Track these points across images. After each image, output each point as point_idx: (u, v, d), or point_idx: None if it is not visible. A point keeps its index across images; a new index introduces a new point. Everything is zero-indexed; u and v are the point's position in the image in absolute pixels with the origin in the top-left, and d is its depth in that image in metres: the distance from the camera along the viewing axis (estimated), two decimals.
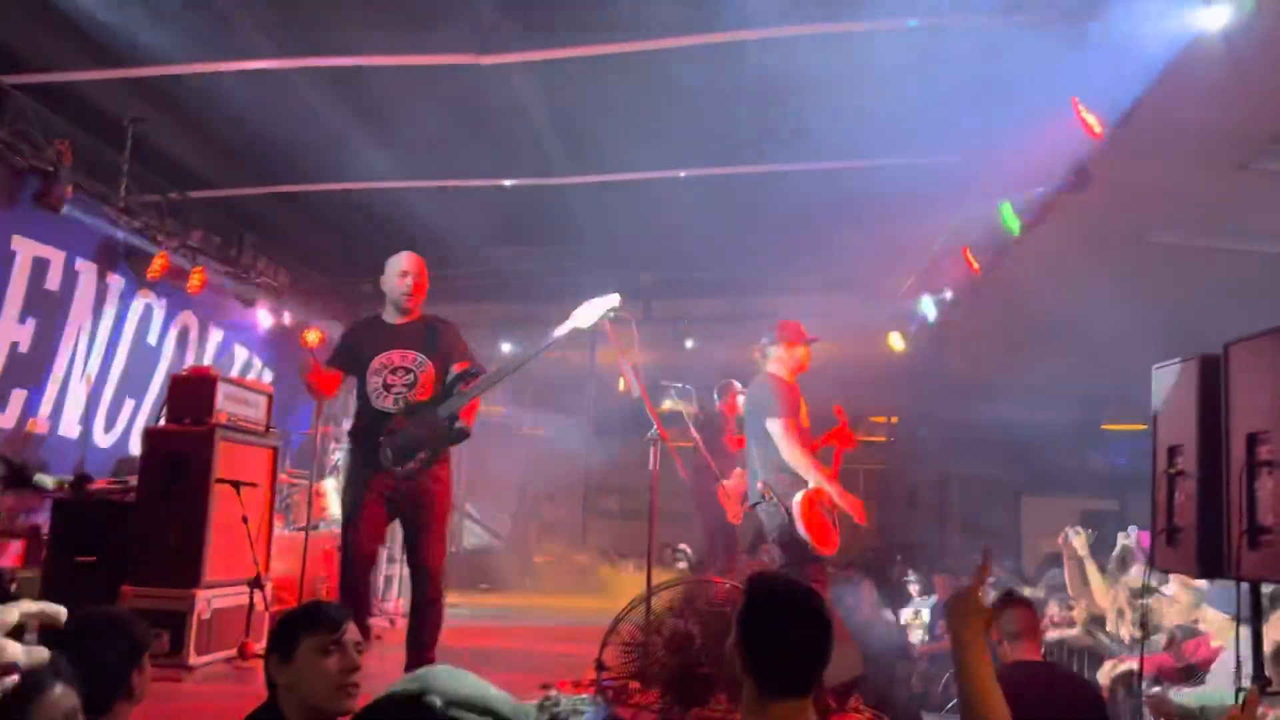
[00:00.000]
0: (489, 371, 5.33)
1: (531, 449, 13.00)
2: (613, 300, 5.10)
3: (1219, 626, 5.27)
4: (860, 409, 14.41)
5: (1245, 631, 3.87)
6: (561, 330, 5.12)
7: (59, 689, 2.68)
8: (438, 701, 1.69)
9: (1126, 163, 6.44)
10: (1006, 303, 9.13)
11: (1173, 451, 3.98)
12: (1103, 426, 12.31)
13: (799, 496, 5.57)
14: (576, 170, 8.16)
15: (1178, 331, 5.30)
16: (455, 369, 5.27)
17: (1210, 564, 3.65)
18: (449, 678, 1.76)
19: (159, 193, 8.02)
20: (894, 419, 11.72)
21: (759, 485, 5.76)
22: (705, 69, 6.78)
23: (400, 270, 5.31)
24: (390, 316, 5.35)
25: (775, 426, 5.71)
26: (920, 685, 8.10)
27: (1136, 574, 6.60)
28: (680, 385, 7.71)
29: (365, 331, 5.39)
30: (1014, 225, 7.09)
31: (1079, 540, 7.10)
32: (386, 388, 5.18)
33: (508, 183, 8.29)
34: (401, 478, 5.03)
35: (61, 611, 1.41)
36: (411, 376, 5.21)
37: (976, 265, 8.01)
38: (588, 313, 5.10)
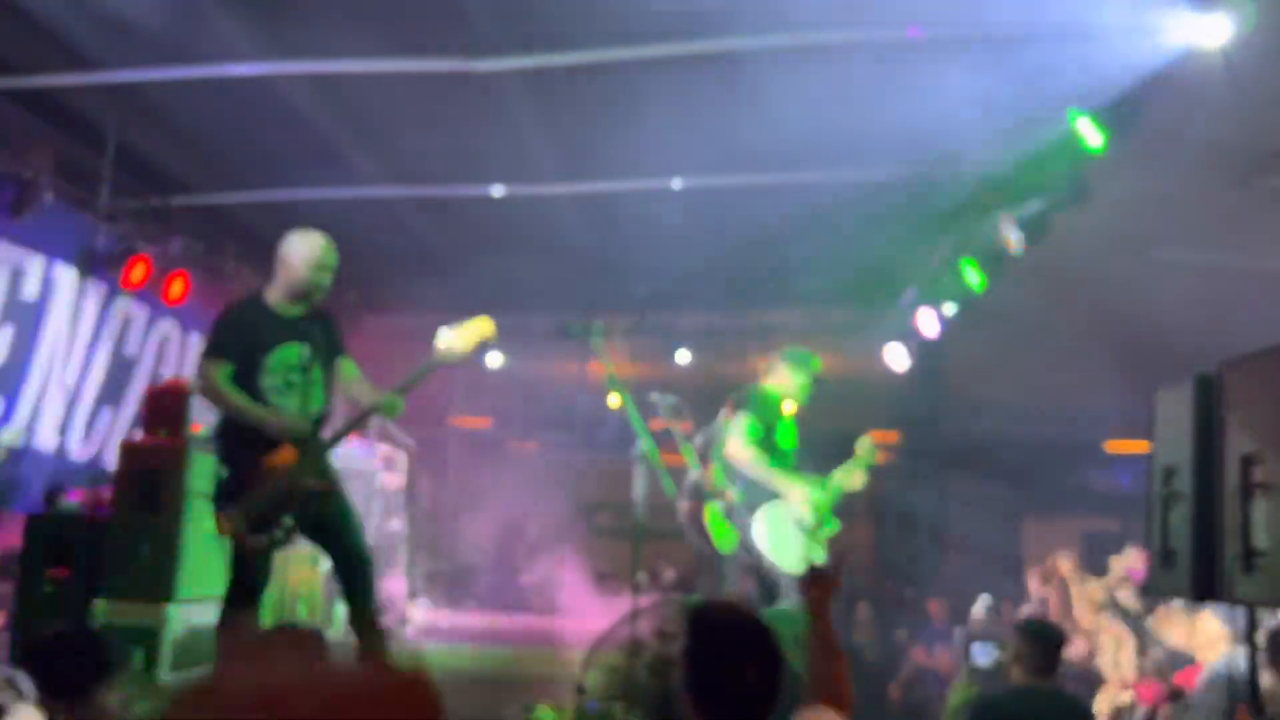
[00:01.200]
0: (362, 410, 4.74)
1: (520, 465, 12.91)
2: (481, 326, 4.69)
3: (1211, 637, 5.16)
4: (858, 426, 14.27)
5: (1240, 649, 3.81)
6: (424, 368, 4.71)
7: (24, 711, 2.57)
8: None
9: (1126, 177, 6.37)
10: (1007, 319, 9.03)
11: (1168, 473, 3.90)
12: (1105, 446, 12.18)
13: (764, 507, 5.46)
14: (567, 179, 8.07)
15: (1180, 350, 5.22)
16: (360, 388, 4.73)
17: (1204, 587, 3.57)
18: None
19: (140, 199, 7.93)
20: (893, 437, 11.58)
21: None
22: (702, 77, 6.69)
23: (320, 262, 4.71)
24: (285, 306, 4.68)
25: (738, 421, 5.61)
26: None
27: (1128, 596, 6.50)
28: (671, 400, 7.56)
29: (256, 318, 4.64)
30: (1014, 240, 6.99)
31: (1067, 565, 7.02)
32: (289, 386, 4.56)
33: (497, 192, 8.19)
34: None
35: None
36: (308, 380, 4.61)
37: (977, 279, 7.90)
38: (452, 340, 4.67)
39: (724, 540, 5.62)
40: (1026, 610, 7.45)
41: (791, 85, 6.34)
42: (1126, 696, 5.67)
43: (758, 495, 5.61)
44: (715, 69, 6.39)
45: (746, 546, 5.57)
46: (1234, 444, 3.44)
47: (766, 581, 5.55)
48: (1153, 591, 4.24)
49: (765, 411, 5.80)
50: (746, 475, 5.55)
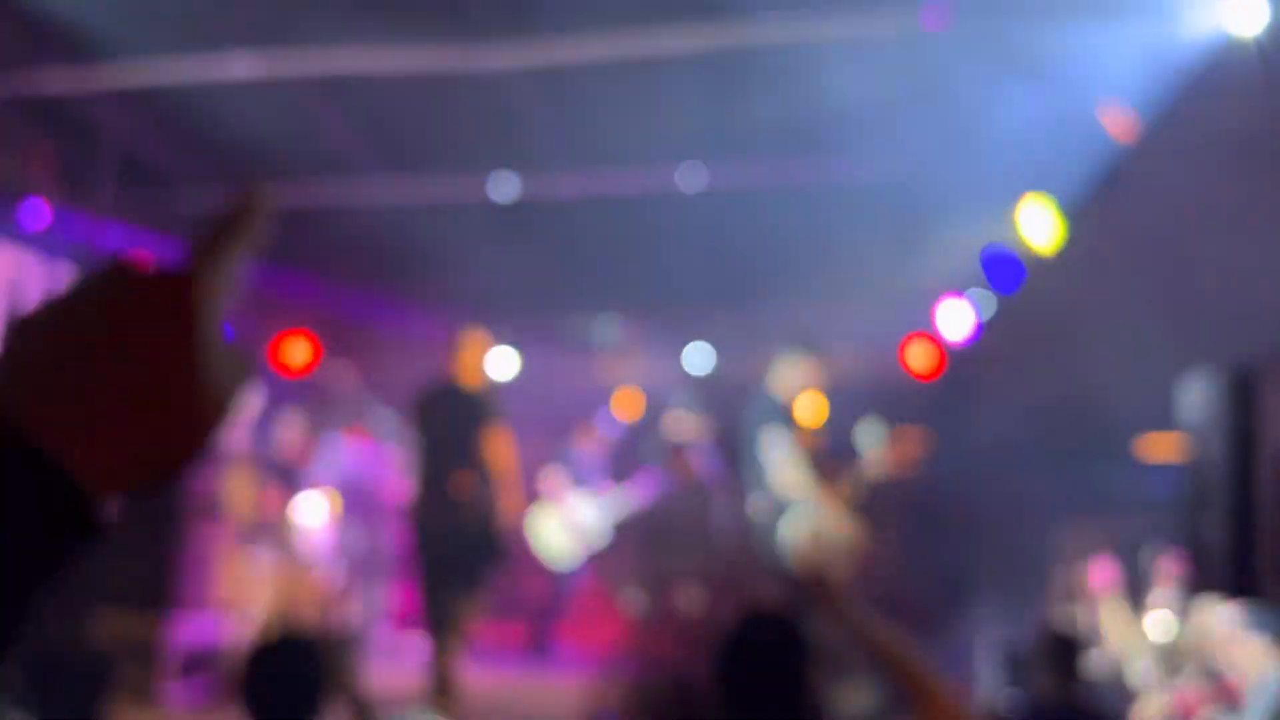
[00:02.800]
0: None
1: (527, 464, 12.59)
2: None
3: (1256, 655, 4.90)
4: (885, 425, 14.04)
5: None
6: None
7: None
8: None
9: (1161, 169, 6.18)
10: (1035, 314, 8.83)
11: (1202, 471, 3.77)
12: (1141, 445, 11.88)
13: (788, 516, 5.33)
14: (576, 175, 7.95)
15: (1217, 346, 5.04)
16: None
17: (1240, 587, 3.45)
18: None
19: (141, 199, 7.88)
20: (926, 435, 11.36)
21: (752, 502, 5.59)
22: (712, 70, 6.56)
23: None
24: None
25: (766, 434, 5.55)
26: None
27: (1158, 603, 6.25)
28: (688, 401, 7.47)
29: None
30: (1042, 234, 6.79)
31: (1098, 582, 6.77)
32: None
33: (504, 188, 8.09)
34: None
35: None
36: None
37: (1002, 275, 7.71)
38: None
39: None
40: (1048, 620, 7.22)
41: (805, 77, 6.20)
42: (1162, 706, 5.42)
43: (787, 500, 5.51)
44: (728, 61, 6.27)
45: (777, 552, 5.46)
46: (1269, 442, 3.31)
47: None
48: (1190, 591, 4.06)
49: (778, 417, 5.69)
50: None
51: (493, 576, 6.02)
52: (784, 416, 5.70)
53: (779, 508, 5.46)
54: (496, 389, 5.56)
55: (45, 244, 7.29)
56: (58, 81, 6.57)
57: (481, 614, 6.05)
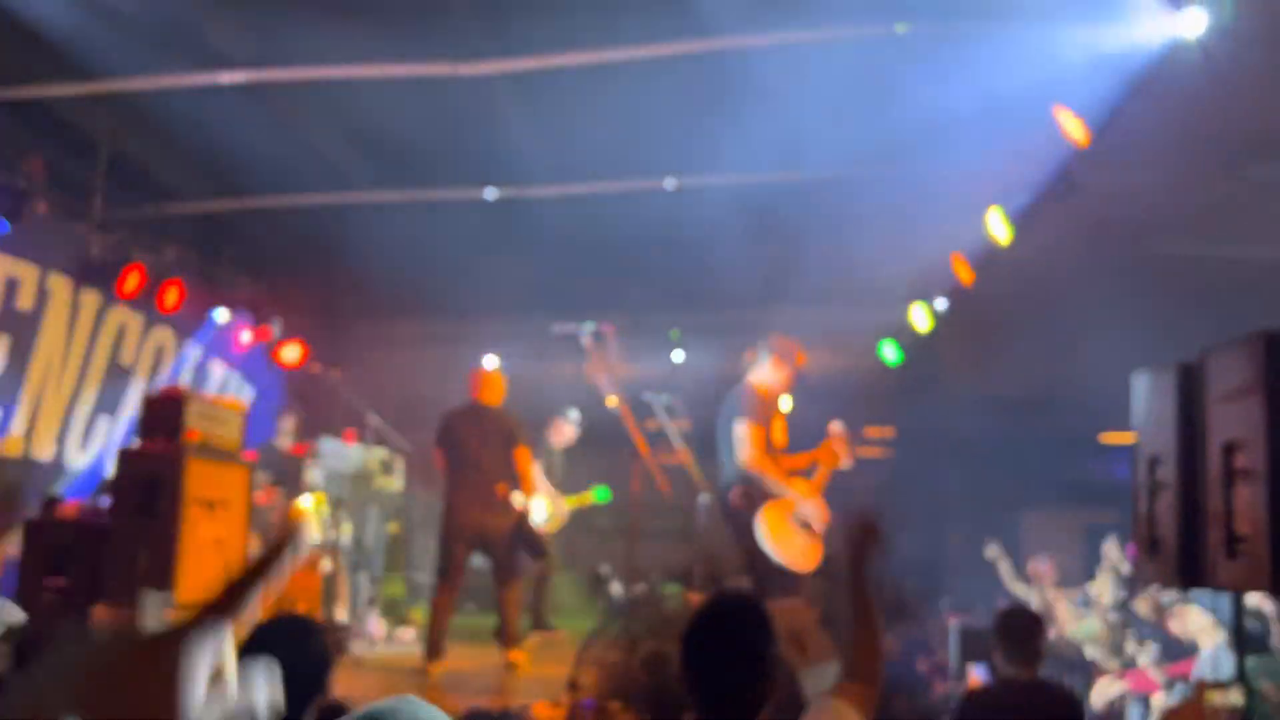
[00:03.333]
0: None
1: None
2: None
3: (1201, 627, 5.20)
4: (853, 421, 14.26)
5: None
6: None
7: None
8: None
9: (1115, 170, 6.40)
10: (1000, 311, 9.05)
11: (1153, 461, 3.93)
12: (1101, 437, 12.16)
13: (764, 508, 5.49)
14: (560, 181, 8.09)
15: (1171, 339, 5.24)
16: None
17: (1190, 574, 3.61)
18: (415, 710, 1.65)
19: (133, 208, 7.96)
20: (889, 432, 11.59)
21: (729, 494, 5.70)
22: (688, 77, 6.72)
23: None
24: None
25: (739, 429, 5.66)
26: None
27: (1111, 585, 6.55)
28: (666, 398, 7.59)
29: None
30: (1003, 233, 7.02)
31: (1046, 569, 7.11)
32: None
33: (491, 195, 8.22)
34: None
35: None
36: None
37: (969, 274, 7.93)
38: None
39: None
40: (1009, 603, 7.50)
41: (777, 84, 6.38)
42: (1119, 687, 5.70)
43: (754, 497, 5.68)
44: (704, 67, 6.43)
45: (748, 542, 5.62)
46: (1216, 431, 3.48)
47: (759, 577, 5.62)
48: (1141, 579, 4.27)
49: (760, 410, 5.83)
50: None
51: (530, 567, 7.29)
52: (758, 412, 5.83)
53: (753, 501, 5.62)
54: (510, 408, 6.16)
55: (39, 252, 7.39)
56: (49, 91, 6.65)
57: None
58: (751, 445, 5.63)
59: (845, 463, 5.91)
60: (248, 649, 2.73)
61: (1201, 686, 3.20)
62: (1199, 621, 5.14)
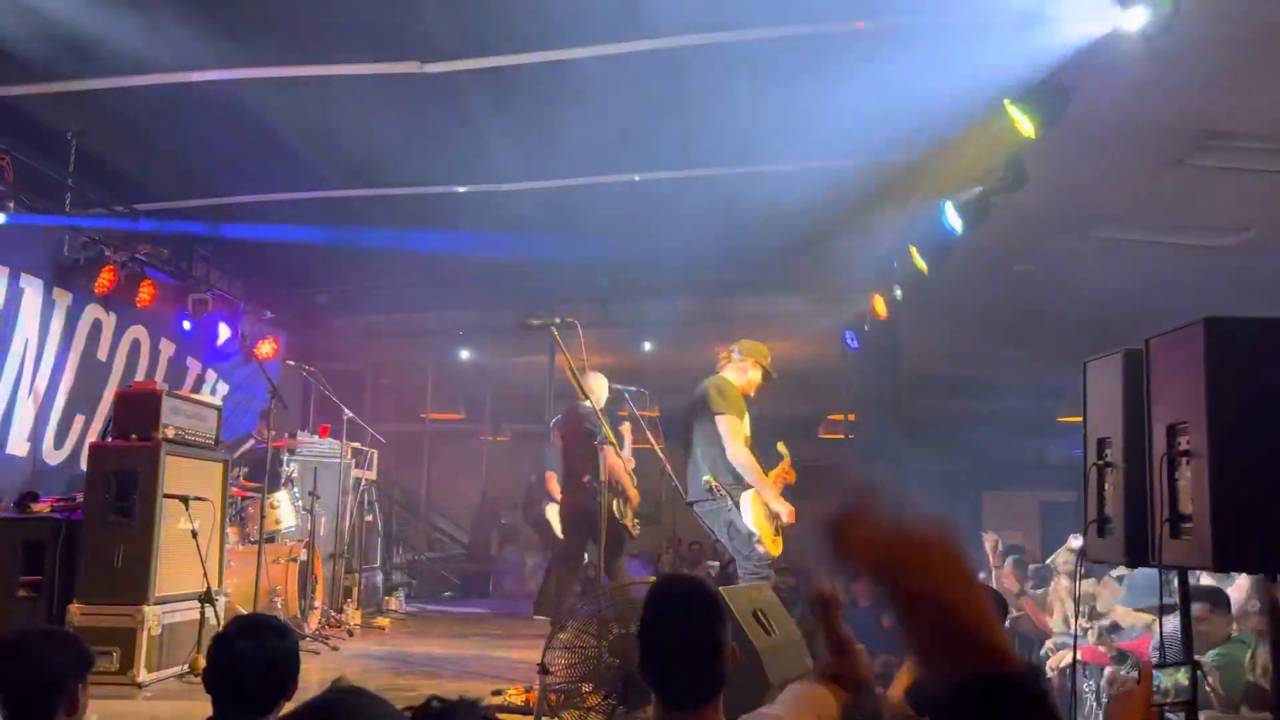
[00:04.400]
0: None
1: (491, 456, 12.99)
2: None
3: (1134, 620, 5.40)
4: (818, 409, 14.55)
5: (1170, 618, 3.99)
6: None
7: None
8: None
9: (1063, 161, 6.54)
10: (957, 299, 9.22)
11: (1101, 444, 4.08)
12: (1059, 419, 12.44)
13: (748, 493, 5.66)
14: (529, 176, 8.16)
15: (1119, 325, 5.39)
16: None
17: (1137, 554, 3.75)
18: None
19: (105, 206, 7.95)
20: (850, 417, 11.78)
21: (703, 481, 5.85)
22: (650, 75, 6.80)
23: None
24: None
25: (724, 423, 5.83)
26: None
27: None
28: (635, 389, 7.74)
29: None
30: (957, 223, 7.18)
31: (990, 542, 7.30)
32: None
33: (461, 189, 8.29)
34: None
35: None
36: None
37: (924, 264, 8.09)
38: None
39: None
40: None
41: (735, 80, 6.50)
42: (1069, 657, 5.88)
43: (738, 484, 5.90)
44: (665, 65, 6.53)
45: (732, 529, 5.82)
46: (1160, 414, 3.62)
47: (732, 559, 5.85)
48: (1090, 558, 4.41)
49: (739, 406, 6.08)
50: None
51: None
52: (739, 408, 6.04)
53: (729, 489, 5.80)
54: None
55: (10, 252, 7.36)
56: (16, 91, 6.65)
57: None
58: (738, 438, 5.82)
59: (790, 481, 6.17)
60: (218, 647, 2.82)
61: (1148, 667, 3.32)
62: (1111, 602, 5.35)
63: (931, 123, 6.37)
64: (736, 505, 5.74)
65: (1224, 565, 3.48)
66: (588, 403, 6.46)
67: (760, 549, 5.72)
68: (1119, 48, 5.11)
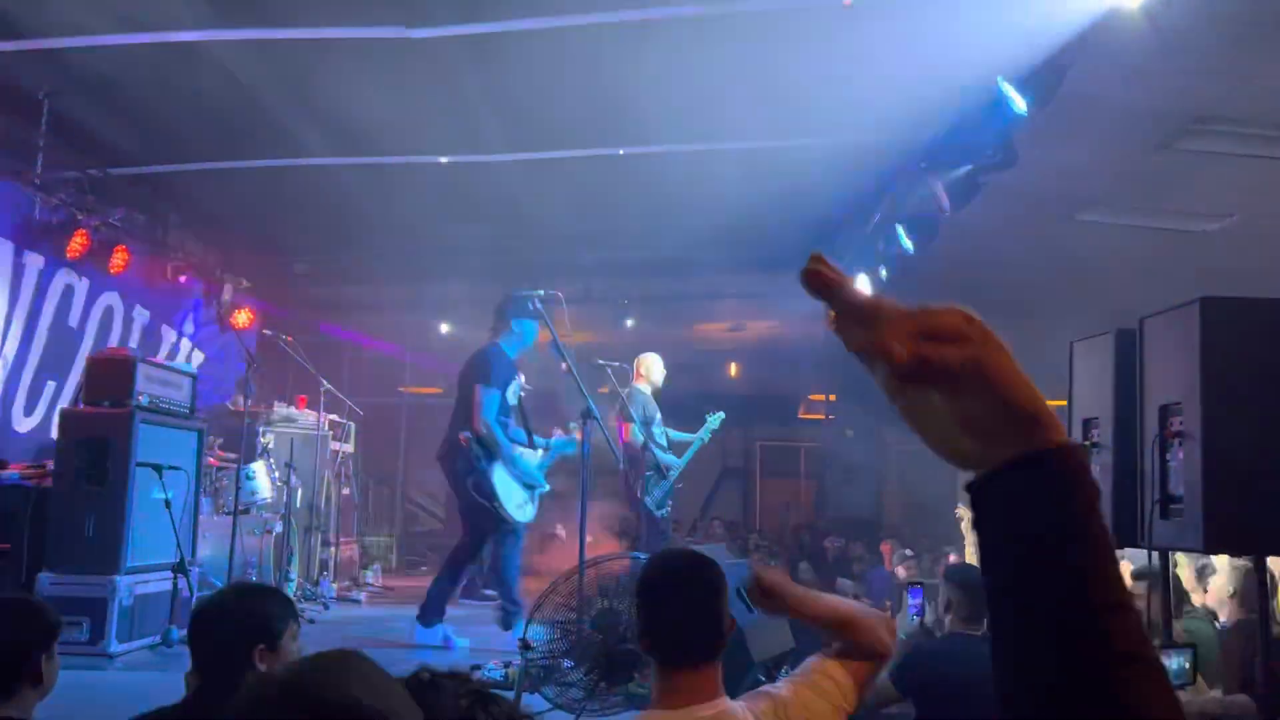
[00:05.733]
0: None
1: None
2: None
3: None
4: (799, 387, 14.57)
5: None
6: None
7: None
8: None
9: (1052, 141, 6.52)
10: (940, 279, 9.22)
11: (1087, 424, 4.07)
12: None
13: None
14: (513, 147, 8.07)
15: (1106, 307, 5.37)
16: None
17: (1124, 534, 3.74)
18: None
19: (78, 169, 7.79)
20: (832, 397, 11.79)
21: None
22: (636, 47, 6.72)
23: None
24: None
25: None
26: None
27: None
28: (617, 364, 7.71)
29: None
30: (944, 202, 7.16)
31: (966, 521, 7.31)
32: None
33: (444, 159, 8.19)
34: None
35: None
36: None
37: (910, 243, 8.07)
38: None
39: None
40: (954, 559, 7.73)
41: (728, 52, 6.42)
42: None
43: None
44: (655, 35, 6.45)
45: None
46: (1152, 395, 3.61)
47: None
48: None
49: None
50: None
51: None
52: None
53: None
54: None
55: None
56: None
57: None
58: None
59: None
60: (199, 618, 2.76)
61: None
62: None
63: (921, 100, 6.32)
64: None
65: (1214, 547, 3.49)
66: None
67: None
68: (1114, 27, 5.09)
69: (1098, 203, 7.86)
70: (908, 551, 8.99)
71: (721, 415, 8.20)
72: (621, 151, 7.99)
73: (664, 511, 7.77)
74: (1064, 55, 5.48)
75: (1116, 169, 7.22)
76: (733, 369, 13.46)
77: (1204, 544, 3.30)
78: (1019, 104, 5.70)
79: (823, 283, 0.76)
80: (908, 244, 8.06)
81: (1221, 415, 3.24)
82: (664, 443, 7.89)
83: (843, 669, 2.22)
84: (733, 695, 2.19)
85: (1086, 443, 4.03)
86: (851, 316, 0.76)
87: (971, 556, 7.34)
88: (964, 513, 7.73)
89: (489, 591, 8.44)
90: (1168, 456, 3.51)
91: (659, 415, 7.92)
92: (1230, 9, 5.14)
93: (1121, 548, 4.60)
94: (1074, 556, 0.70)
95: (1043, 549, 0.71)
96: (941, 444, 0.77)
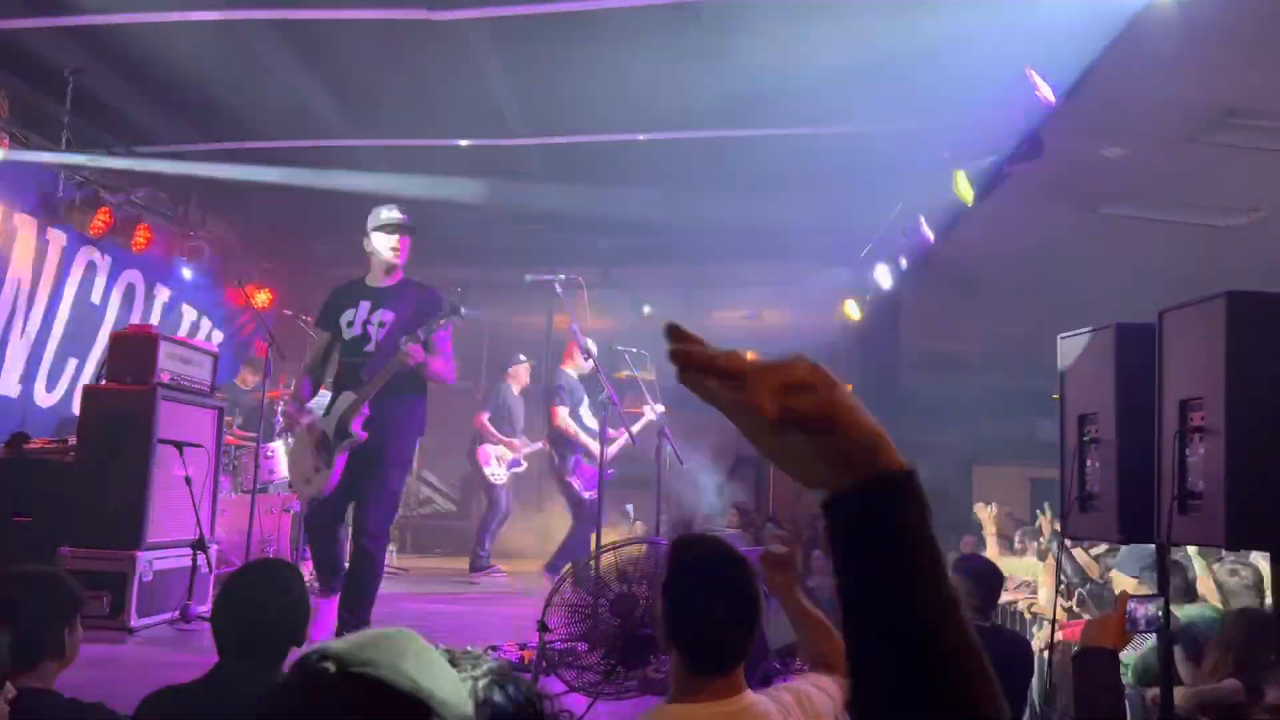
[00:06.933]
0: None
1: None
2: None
3: (1129, 588, 5.40)
4: None
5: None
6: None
7: None
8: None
9: (1078, 133, 6.46)
10: (960, 271, 9.17)
11: (1083, 420, 4.01)
12: (1054, 397, 12.41)
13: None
14: (533, 132, 8.07)
15: (1126, 301, 5.33)
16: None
17: (1132, 529, 3.70)
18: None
19: (102, 147, 7.82)
20: (848, 387, 11.76)
21: None
22: (664, 30, 6.71)
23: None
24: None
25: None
26: None
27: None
28: (635, 351, 7.68)
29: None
30: (968, 195, 7.10)
31: (986, 514, 7.29)
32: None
33: (464, 143, 8.19)
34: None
35: None
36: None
37: (931, 234, 8.02)
38: None
39: None
40: (966, 549, 7.71)
41: (753, 39, 6.40)
42: (1059, 635, 5.88)
43: None
44: (681, 21, 6.44)
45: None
46: (1172, 389, 3.56)
47: None
48: (1070, 534, 4.36)
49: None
50: None
51: None
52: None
53: None
54: None
55: (4, 191, 7.23)
56: (14, 24, 6.51)
57: None
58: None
59: None
60: (224, 594, 2.77)
61: (1124, 596, 3.32)
62: (1123, 583, 5.36)
63: (948, 88, 6.27)
64: None
65: (1235, 542, 3.45)
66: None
67: None
68: (1145, 19, 5.03)
69: (1120, 197, 7.80)
70: None
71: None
72: (641, 137, 7.97)
73: (591, 493, 7.73)
74: (1093, 46, 5.41)
75: (1143, 162, 7.15)
76: (750, 358, 13.38)
77: (1225, 539, 3.27)
78: (1048, 95, 5.63)
79: (700, 363, 0.84)
80: (929, 234, 8.01)
81: (1246, 410, 3.20)
82: (591, 425, 7.85)
83: (834, 683, 2.23)
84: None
85: (1088, 439, 3.97)
86: (722, 382, 0.85)
87: (993, 550, 7.31)
88: (983, 509, 7.71)
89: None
90: (1187, 451, 3.47)
91: (586, 399, 7.91)
92: (1261, 2, 5.08)
93: (1129, 542, 4.56)
94: (904, 562, 0.81)
95: (878, 556, 0.82)
96: (805, 475, 0.88)
